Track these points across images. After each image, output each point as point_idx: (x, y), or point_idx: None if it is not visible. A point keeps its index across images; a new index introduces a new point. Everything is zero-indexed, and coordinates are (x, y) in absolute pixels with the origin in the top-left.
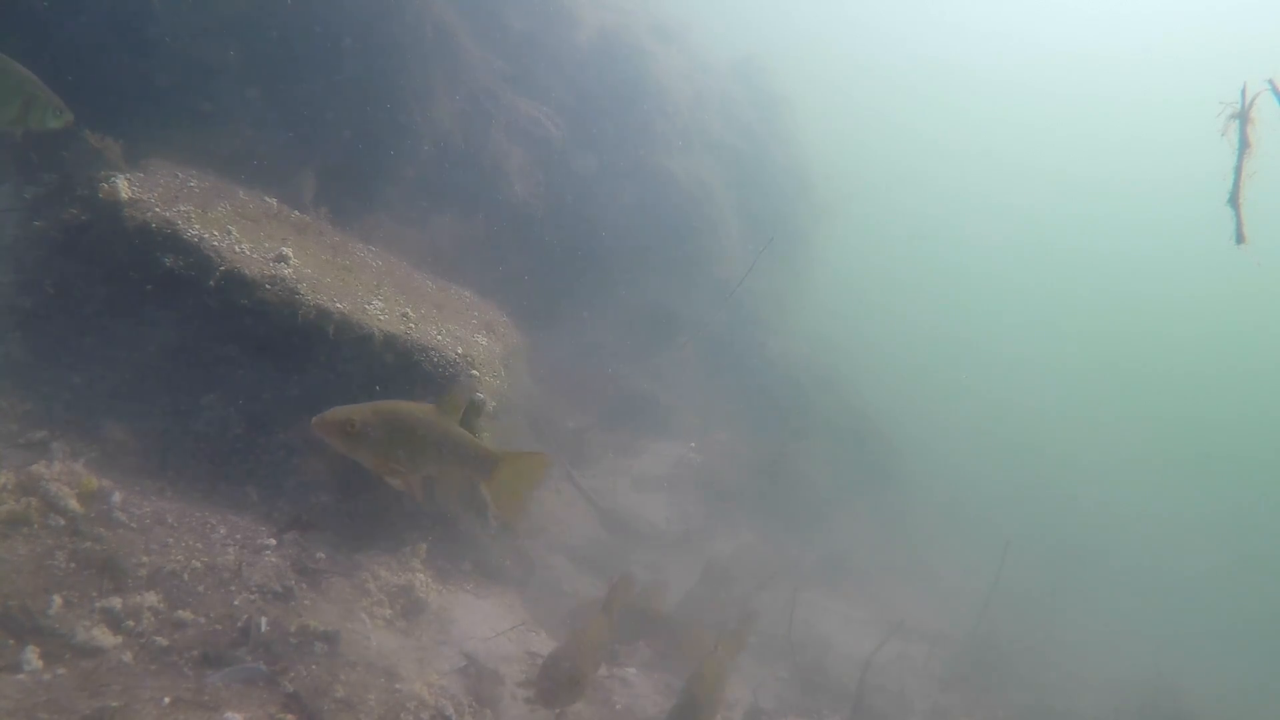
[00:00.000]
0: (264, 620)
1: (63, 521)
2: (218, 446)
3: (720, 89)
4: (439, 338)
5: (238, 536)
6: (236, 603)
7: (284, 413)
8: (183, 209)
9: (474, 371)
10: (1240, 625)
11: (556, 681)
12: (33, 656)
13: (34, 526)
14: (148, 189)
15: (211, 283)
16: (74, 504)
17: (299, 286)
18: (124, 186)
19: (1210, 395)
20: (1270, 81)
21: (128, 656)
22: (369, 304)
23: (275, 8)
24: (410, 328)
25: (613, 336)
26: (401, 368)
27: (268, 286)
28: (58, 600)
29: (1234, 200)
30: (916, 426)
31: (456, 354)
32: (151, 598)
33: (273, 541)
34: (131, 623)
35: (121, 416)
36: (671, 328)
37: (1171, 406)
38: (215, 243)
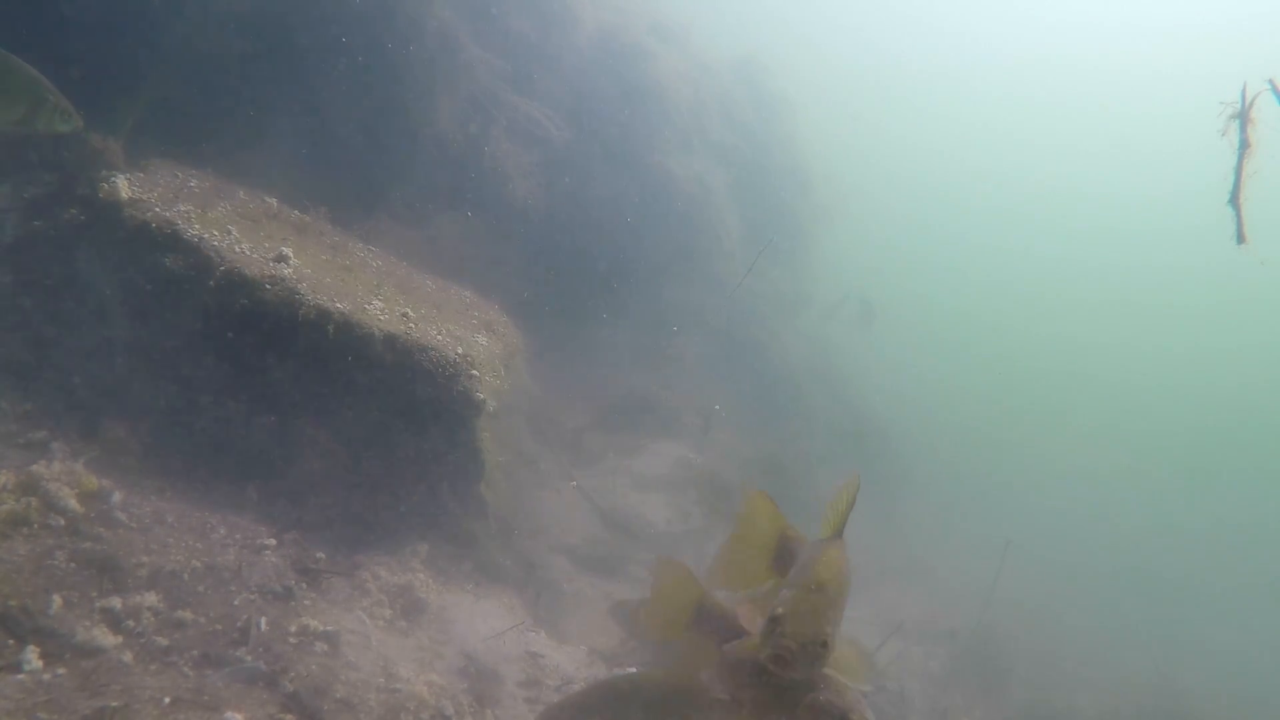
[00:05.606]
0: (264, 620)
1: (63, 521)
2: (218, 446)
3: (720, 89)
4: (439, 338)
5: (238, 536)
6: (236, 603)
7: (284, 412)
8: (183, 209)
9: (474, 371)
10: (1247, 629)
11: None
12: (33, 656)
13: (34, 526)
14: (148, 189)
15: (212, 283)
16: (74, 504)
17: (299, 286)
18: (124, 186)
19: (1208, 398)
20: (1270, 81)
21: (128, 656)
22: (369, 304)
23: (275, 7)
24: (410, 328)
25: (613, 336)
26: (401, 367)
27: (268, 286)
28: (58, 600)
29: (1234, 200)
30: (917, 427)
31: (456, 354)
32: (151, 598)
33: (273, 541)
34: (131, 623)
35: (121, 416)
36: (671, 327)
37: (1170, 409)
38: (215, 243)
